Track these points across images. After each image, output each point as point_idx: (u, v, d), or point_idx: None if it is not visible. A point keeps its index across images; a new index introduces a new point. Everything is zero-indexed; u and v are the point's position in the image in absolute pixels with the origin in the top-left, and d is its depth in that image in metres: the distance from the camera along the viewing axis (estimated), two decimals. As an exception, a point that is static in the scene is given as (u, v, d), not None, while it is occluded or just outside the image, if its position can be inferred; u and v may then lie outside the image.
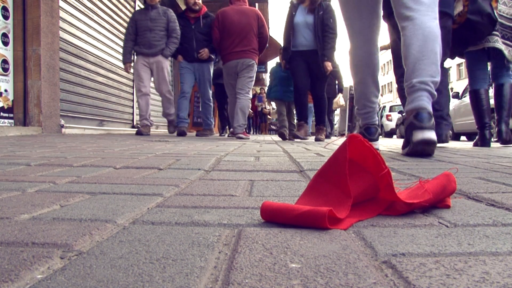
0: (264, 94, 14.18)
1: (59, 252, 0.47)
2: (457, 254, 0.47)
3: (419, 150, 1.84)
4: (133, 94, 7.22)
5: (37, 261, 0.43)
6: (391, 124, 15.51)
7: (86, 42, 5.76)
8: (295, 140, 4.91)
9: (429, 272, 0.41)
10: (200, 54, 5.14)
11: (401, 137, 11.63)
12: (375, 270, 0.41)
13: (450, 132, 9.79)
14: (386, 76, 51.44)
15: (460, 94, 9.21)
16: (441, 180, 0.74)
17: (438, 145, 3.13)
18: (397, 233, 0.56)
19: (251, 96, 5.25)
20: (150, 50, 4.92)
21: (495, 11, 3.42)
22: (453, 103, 9.37)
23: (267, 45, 5.31)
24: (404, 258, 0.45)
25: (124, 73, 6.87)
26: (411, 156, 1.95)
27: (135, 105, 6.96)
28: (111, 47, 6.59)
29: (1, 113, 4.24)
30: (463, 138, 10.10)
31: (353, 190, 0.65)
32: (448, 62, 4.08)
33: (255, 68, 5.09)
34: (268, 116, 17.35)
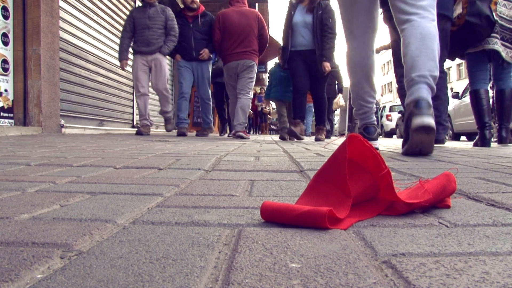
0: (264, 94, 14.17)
1: (59, 252, 0.47)
2: (457, 254, 0.47)
3: (418, 140, 1.84)
4: (133, 94, 7.22)
5: (37, 261, 0.43)
6: (391, 124, 15.51)
7: (86, 42, 5.76)
8: (295, 140, 4.90)
9: (429, 272, 0.41)
10: (201, 56, 5.15)
11: (401, 137, 11.63)
12: (375, 270, 0.41)
13: (450, 132, 9.82)
14: (386, 76, 51.43)
15: (460, 94, 9.21)
16: (441, 180, 0.74)
17: (437, 145, 3.15)
18: (397, 233, 0.56)
19: (251, 96, 5.27)
20: (148, 48, 4.89)
21: (494, 13, 3.46)
22: (453, 103, 9.37)
23: (267, 45, 5.31)
24: (404, 258, 0.45)
25: (124, 73, 6.88)
26: (410, 153, 1.95)
27: (135, 105, 6.95)
28: (111, 47, 6.59)
29: (1, 113, 4.24)
30: (463, 138, 10.10)
31: (353, 190, 0.65)
32: (448, 62, 4.11)
33: (255, 69, 5.13)
34: (268, 116, 17.36)
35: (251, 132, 16.25)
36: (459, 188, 0.93)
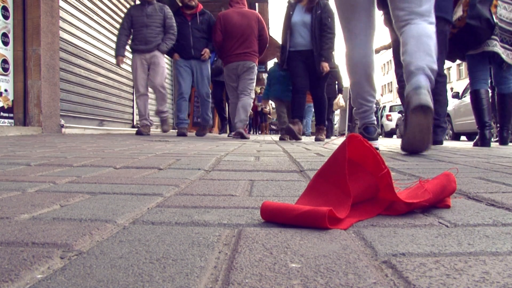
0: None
1: (59, 252, 0.47)
2: (457, 254, 0.47)
3: (416, 124, 1.87)
4: (133, 94, 7.22)
5: (37, 261, 0.43)
6: (391, 124, 15.51)
7: (86, 42, 5.76)
8: (294, 140, 4.90)
9: (429, 272, 0.41)
10: (203, 56, 5.15)
11: (401, 136, 11.64)
12: (375, 270, 0.41)
13: (450, 132, 9.82)
14: (386, 76, 51.43)
15: (460, 94, 9.21)
16: (441, 180, 0.74)
17: (436, 146, 3.18)
18: (397, 233, 0.56)
19: (253, 96, 5.28)
20: (146, 46, 4.86)
21: (494, 16, 3.51)
22: (453, 103, 9.37)
23: (267, 45, 5.32)
24: (404, 258, 0.45)
25: (124, 73, 6.88)
26: (408, 143, 1.98)
27: (135, 105, 6.94)
28: (112, 47, 6.58)
29: (1, 113, 4.24)
30: (463, 138, 10.10)
31: (353, 190, 0.65)
32: (448, 63, 4.15)
33: (256, 70, 5.16)
34: (268, 116, 17.36)
35: (251, 132, 16.25)
36: (459, 188, 0.93)
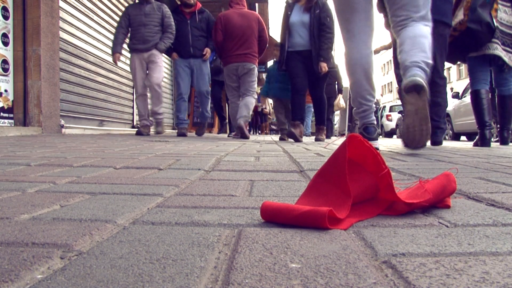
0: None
1: (59, 252, 0.47)
2: (457, 254, 0.47)
3: (412, 107, 1.95)
4: (133, 94, 7.22)
5: (37, 261, 0.43)
6: (391, 124, 15.51)
7: (86, 42, 5.76)
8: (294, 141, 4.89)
9: (429, 272, 0.41)
10: (205, 56, 5.15)
11: (401, 136, 11.64)
12: (375, 270, 0.41)
13: (450, 132, 9.83)
14: (386, 76, 51.44)
15: (460, 94, 9.21)
16: (441, 180, 0.74)
17: (436, 146, 3.20)
18: (397, 233, 0.56)
19: (256, 96, 5.32)
20: (144, 45, 4.82)
21: (494, 20, 3.58)
22: (453, 103, 9.37)
23: (267, 45, 5.33)
24: (404, 258, 0.45)
25: (124, 73, 6.88)
26: (406, 134, 2.04)
27: (135, 105, 6.94)
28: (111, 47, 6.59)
29: (1, 113, 4.24)
30: (463, 138, 10.10)
31: (353, 190, 0.65)
32: (449, 63, 4.19)
33: (256, 71, 5.20)
34: (269, 116, 17.36)
35: (251, 132, 16.25)
36: (459, 188, 0.93)
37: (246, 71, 4.99)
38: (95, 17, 6.05)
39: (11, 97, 4.36)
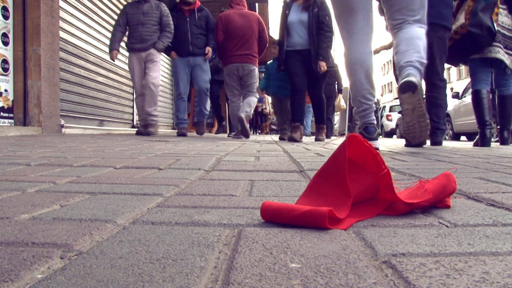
0: (265, 95, 14.14)
1: (59, 252, 0.47)
2: (457, 254, 0.47)
3: (407, 105, 2.11)
4: (133, 94, 7.22)
5: (37, 261, 0.43)
6: (391, 124, 15.51)
7: (86, 42, 5.76)
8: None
9: (429, 272, 0.41)
10: (206, 56, 5.16)
11: (401, 137, 11.64)
12: (375, 270, 0.41)
13: (450, 132, 9.83)
14: (386, 76, 51.44)
15: (460, 94, 9.21)
16: (441, 180, 0.74)
17: (435, 146, 3.21)
18: (397, 233, 0.56)
19: (258, 96, 5.35)
20: (142, 44, 4.77)
21: (495, 24, 3.65)
22: (453, 103, 9.37)
23: (267, 45, 5.34)
24: (404, 258, 0.45)
25: (124, 73, 6.87)
26: (407, 131, 2.20)
27: (135, 105, 6.93)
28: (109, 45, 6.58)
29: (1, 113, 4.24)
30: (463, 138, 10.10)
31: (353, 190, 0.65)
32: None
33: (257, 72, 5.24)
34: (269, 116, 17.35)
35: (251, 132, 16.24)
36: (459, 188, 0.93)
37: (247, 73, 5.03)
38: (95, 17, 6.05)
39: (11, 97, 4.36)
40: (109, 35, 6.52)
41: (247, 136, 4.94)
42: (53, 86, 4.62)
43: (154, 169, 1.31)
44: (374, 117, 2.53)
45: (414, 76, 2.09)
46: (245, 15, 5.04)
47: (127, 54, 5.09)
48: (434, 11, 3.23)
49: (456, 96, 9.11)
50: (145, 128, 4.90)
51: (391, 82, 46.57)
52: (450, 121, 9.63)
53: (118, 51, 4.88)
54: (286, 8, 4.65)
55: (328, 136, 6.75)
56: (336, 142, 4.15)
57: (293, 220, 0.59)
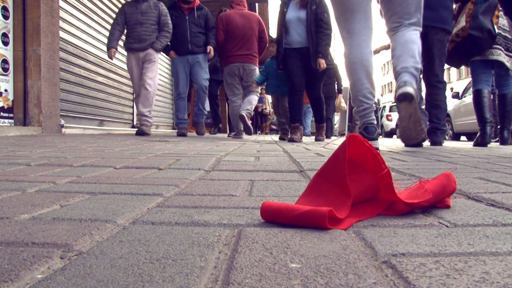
0: (265, 95, 14.14)
1: (59, 252, 0.47)
2: (457, 254, 0.47)
3: (404, 113, 2.25)
4: (132, 94, 7.22)
5: (37, 261, 0.43)
6: (391, 124, 15.51)
7: (86, 42, 5.76)
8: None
9: (429, 272, 0.41)
10: (210, 54, 5.17)
11: (399, 136, 11.65)
12: (375, 270, 0.41)
13: (450, 132, 9.83)
14: (386, 76, 51.45)
15: (460, 94, 9.21)
16: (441, 180, 0.74)
17: (435, 146, 3.22)
18: (397, 233, 0.56)
19: (258, 95, 5.37)
20: (140, 44, 4.73)
21: (495, 27, 3.70)
22: (453, 103, 9.37)
23: (267, 45, 5.36)
24: (404, 258, 0.45)
25: (124, 73, 6.86)
26: (404, 135, 2.33)
27: (135, 105, 6.92)
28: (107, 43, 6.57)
29: (1, 113, 4.24)
30: (463, 138, 10.10)
31: (353, 190, 0.65)
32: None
33: (257, 71, 5.26)
34: (269, 116, 17.35)
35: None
36: (459, 188, 0.93)
37: (248, 72, 5.07)
38: (95, 17, 6.05)
39: (11, 97, 4.36)
40: (109, 34, 6.53)
41: (250, 133, 4.96)
42: (53, 86, 4.62)
43: (154, 169, 1.31)
44: (374, 117, 2.53)
45: (410, 84, 2.17)
46: (246, 15, 5.07)
47: (125, 53, 5.07)
48: (434, 14, 3.27)
49: (456, 96, 9.11)
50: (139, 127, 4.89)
51: (391, 82, 46.57)
52: (450, 121, 9.63)
53: (116, 49, 4.83)
54: (284, 6, 4.60)
55: (328, 136, 6.74)
56: (336, 142, 4.14)
57: (293, 220, 0.59)
